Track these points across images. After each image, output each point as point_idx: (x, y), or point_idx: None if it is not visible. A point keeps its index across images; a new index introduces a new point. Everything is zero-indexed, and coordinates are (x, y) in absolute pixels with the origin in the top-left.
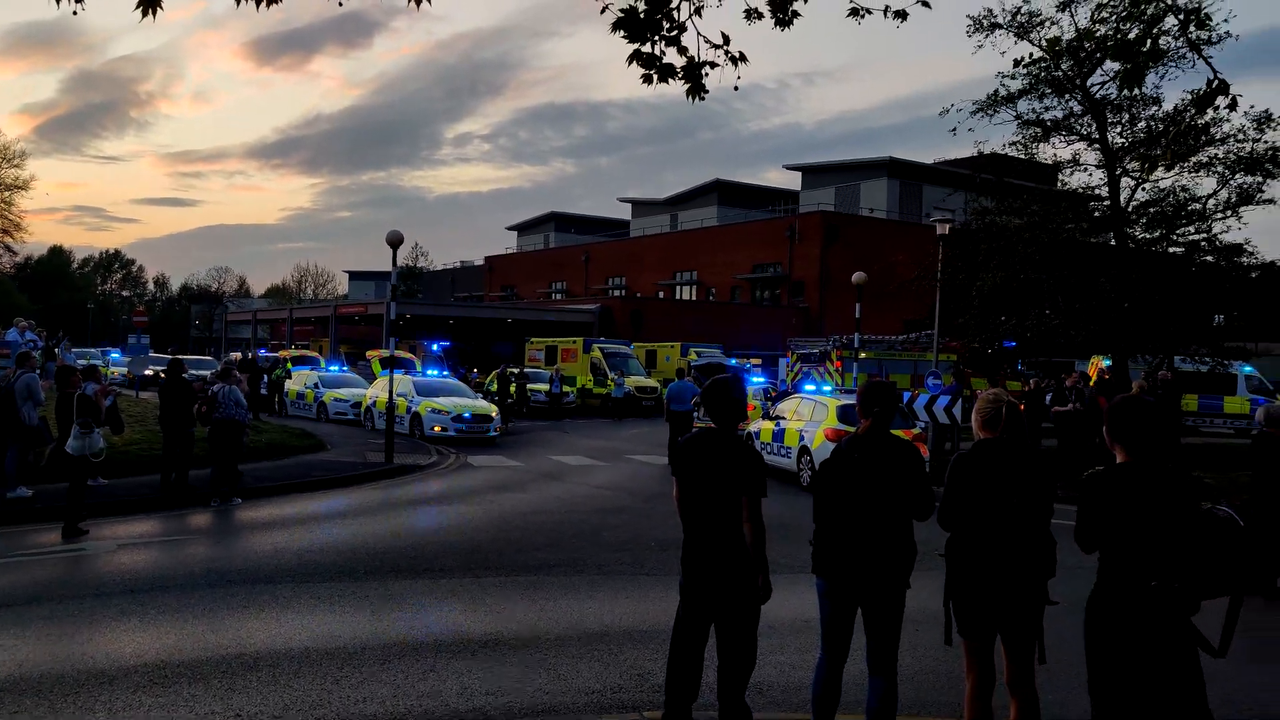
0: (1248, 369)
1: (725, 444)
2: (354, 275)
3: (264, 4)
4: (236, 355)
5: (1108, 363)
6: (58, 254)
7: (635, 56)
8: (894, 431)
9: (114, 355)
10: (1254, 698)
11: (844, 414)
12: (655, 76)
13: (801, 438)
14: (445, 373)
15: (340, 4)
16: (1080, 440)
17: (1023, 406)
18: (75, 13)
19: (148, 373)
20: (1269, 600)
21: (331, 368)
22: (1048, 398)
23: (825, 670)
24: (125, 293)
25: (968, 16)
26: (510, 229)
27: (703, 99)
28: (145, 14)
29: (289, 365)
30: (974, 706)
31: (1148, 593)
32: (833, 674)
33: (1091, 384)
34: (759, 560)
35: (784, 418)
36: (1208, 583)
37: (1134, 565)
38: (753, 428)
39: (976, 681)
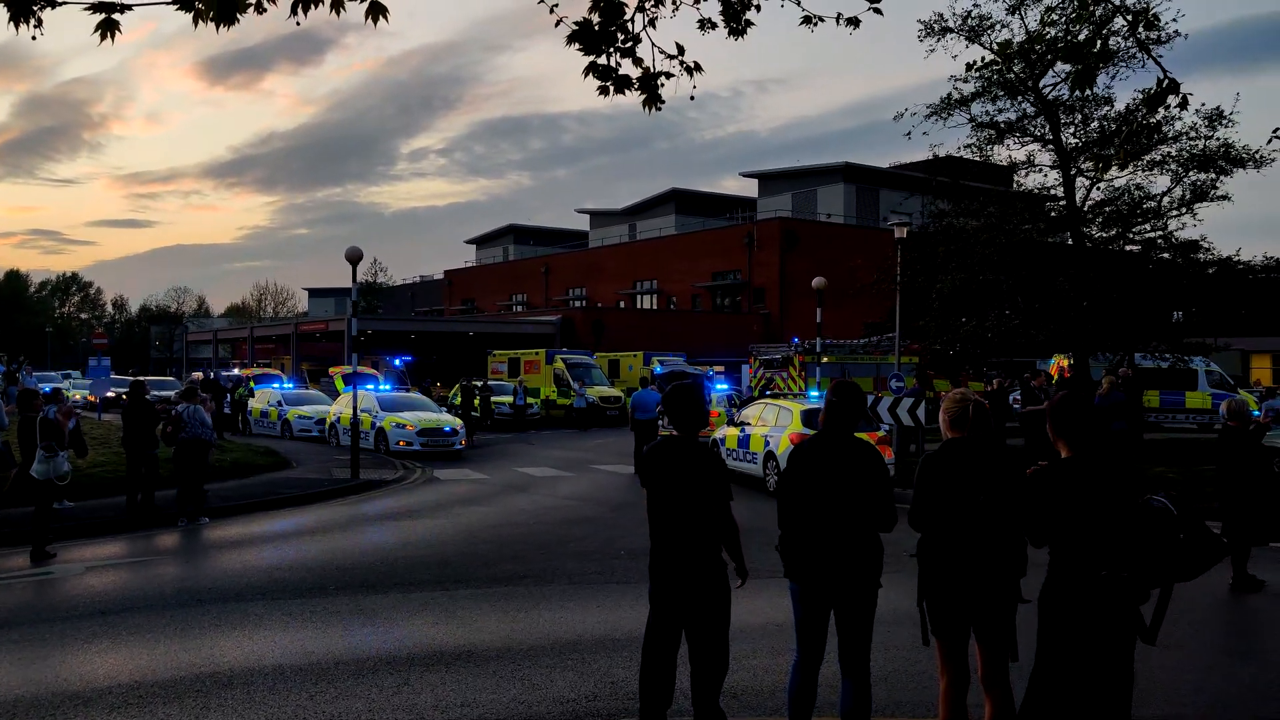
0: (1209, 364)
1: (688, 451)
2: (313, 292)
3: (222, 26)
4: (199, 375)
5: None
6: (14, 278)
7: (591, 69)
8: (858, 434)
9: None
10: (1228, 691)
11: (808, 419)
12: (612, 88)
13: (767, 443)
14: (395, 387)
15: (298, 24)
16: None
17: (987, 405)
18: (34, 37)
19: (110, 394)
20: (1243, 591)
21: (286, 385)
22: (1011, 397)
23: (800, 672)
24: (84, 315)
25: (919, 21)
26: (469, 242)
27: (659, 109)
28: (104, 37)
29: (251, 384)
30: (948, 705)
31: (1098, 582)
32: (808, 676)
33: (1054, 383)
34: (735, 553)
35: (749, 424)
36: (1152, 571)
37: (1082, 556)
38: (718, 434)
39: (950, 680)
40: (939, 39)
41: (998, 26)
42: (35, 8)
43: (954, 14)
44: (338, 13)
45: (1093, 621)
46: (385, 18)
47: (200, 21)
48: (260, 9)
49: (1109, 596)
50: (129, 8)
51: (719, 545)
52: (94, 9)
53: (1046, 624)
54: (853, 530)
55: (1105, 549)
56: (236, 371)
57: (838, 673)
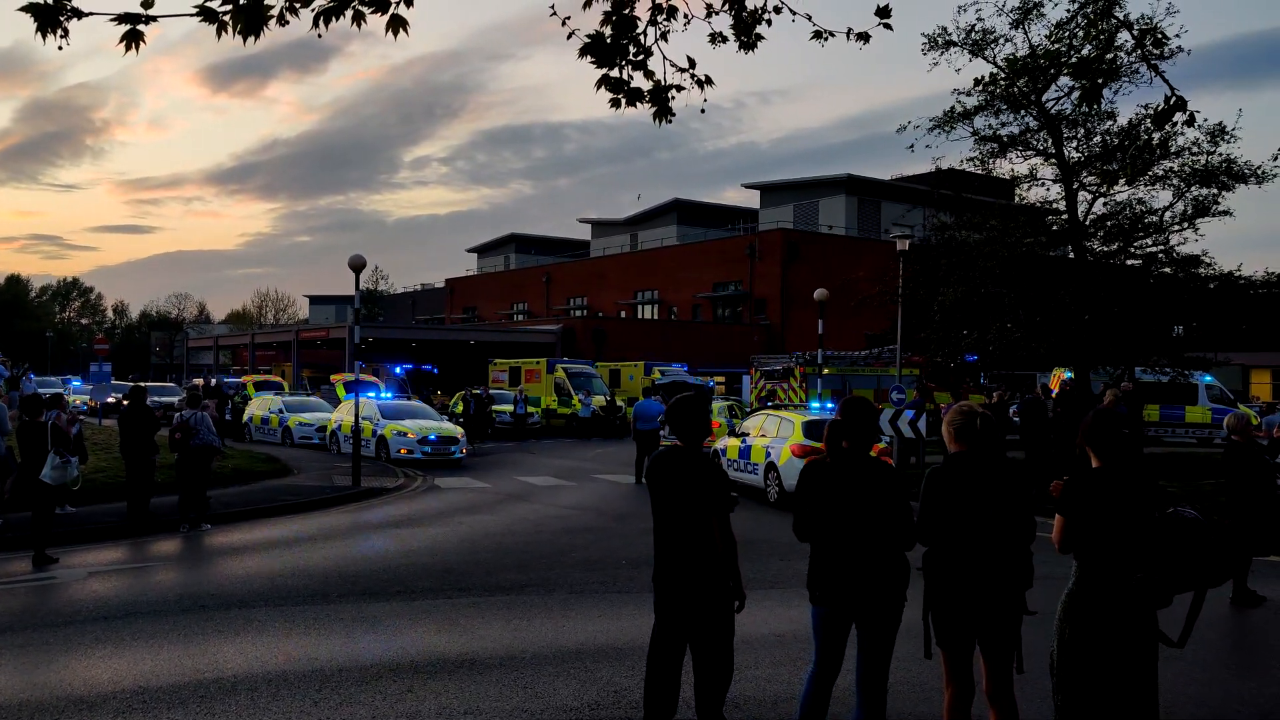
0: (1208, 379)
1: (691, 462)
2: (314, 299)
3: (250, 39)
4: (199, 381)
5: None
6: (15, 283)
7: (604, 81)
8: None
9: (75, 383)
10: (1228, 706)
11: (810, 430)
12: (624, 101)
13: (768, 454)
14: (398, 395)
15: (320, 35)
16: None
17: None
18: (60, 47)
19: (110, 400)
20: (1243, 606)
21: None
22: (1011, 409)
23: (816, 684)
24: (84, 320)
25: (922, 34)
26: (470, 251)
27: (669, 122)
28: (129, 47)
29: (251, 390)
30: (953, 717)
31: (1131, 586)
32: (824, 687)
33: (1053, 396)
34: (731, 571)
35: (750, 435)
36: (1180, 577)
37: (1114, 561)
38: (719, 445)
39: (955, 692)
40: (942, 52)
41: (1001, 41)
42: (62, 18)
43: (957, 28)
44: (359, 25)
45: (1120, 625)
46: (406, 31)
47: (224, 33)
48: (283, 21)
49: (1137, 600)
50: (154, 19)
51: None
52: (120, 20)
53: (1074, 629)
54: (880, 549)
55: (1135, 555)
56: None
57: (848, 684)
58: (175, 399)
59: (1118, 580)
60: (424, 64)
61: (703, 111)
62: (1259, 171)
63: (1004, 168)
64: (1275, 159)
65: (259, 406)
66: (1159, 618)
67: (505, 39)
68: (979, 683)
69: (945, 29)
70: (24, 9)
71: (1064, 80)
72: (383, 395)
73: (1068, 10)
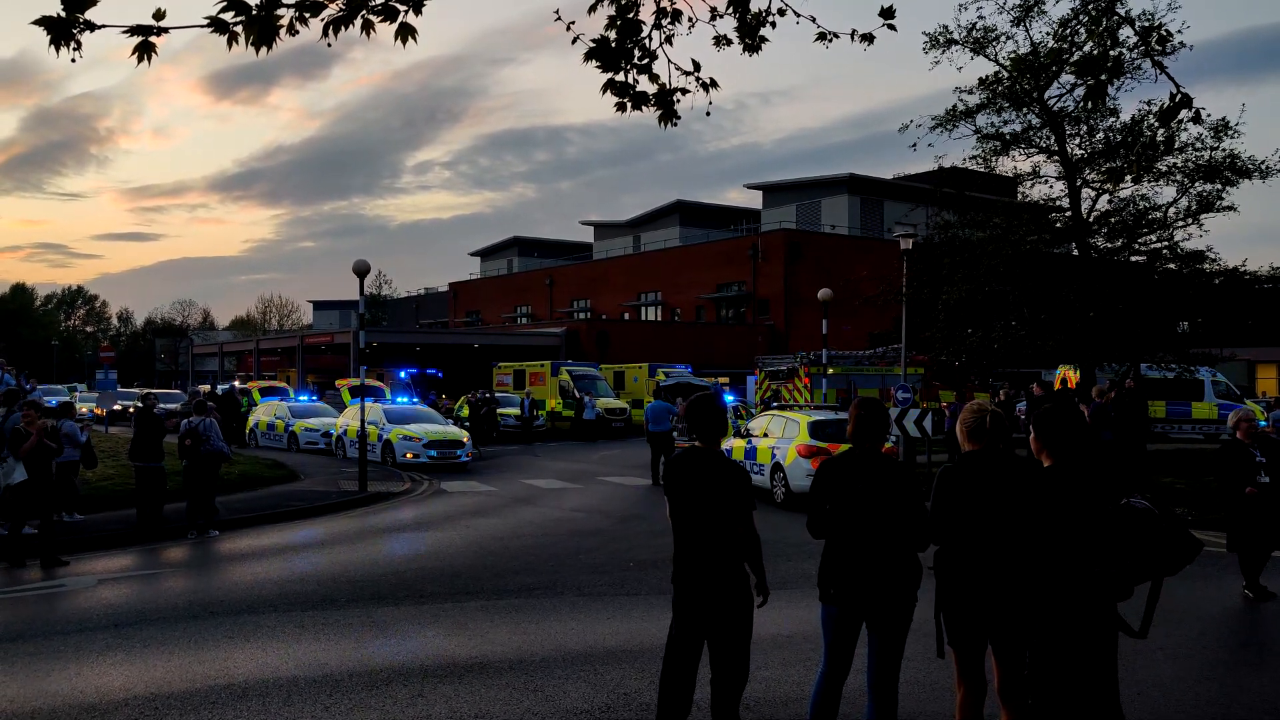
0: (1215, 375)
1: (712, 461)
2: (318, 305)
3: (262, 49)
4: (205, 388)
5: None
6: (20, 292)
7: (609, 85)
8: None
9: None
10: (1238, 701)
11: (816, 430)
12: (629, 105)
13: (774, 455)
14: (415, 399)
15: (329, 44)
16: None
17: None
18: (74, 60)
19: (116, 407)
20: (1255, 601)
21: (300, 398)
22: (1018, 407)
23: (826, 684)
24: (89, 328)
25: (923, 33)
26: (473, 254)
27: (674, 125)
28: (141, 59)
29: (256, 396)
30: (965, 716)
31: (1094, 581)
32: (834, 688)
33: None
34: (757, 566)
35: (755, 435)
36: (1137, 568)
37: (1068, 559)
38: (724, 446)
39: (967, 691)
40: (944, 51)
41: (1002, 39)
42: (75, 31)
43: (959, 26)
44: (368, 34)
45: (1083, 621)
46: (414, 39)
47: (235, 44)
48: (293, 30)
49: (1098, 594)
50: (166, 30)
51: (742, 556)
52: (132, 32)
53: (1053, 625)
54: (894, 548)
55: (1092, 551)
56: (237, 384)
57: (860, 684)
58: (177, 405)
59: (1076, 575)
60: (426, 69)
61: (708, 114)
62: (1263, 166)
63: (1007, 165)
64: (1279, 154)
65: (265, 412)
66: (1120, 609)
67: (507, 43)
68: (991, 681)
69: (946, 27)
70: (37, 22)
71: (1066, 77)
72: (398, 400)
73: (1070, 8)
